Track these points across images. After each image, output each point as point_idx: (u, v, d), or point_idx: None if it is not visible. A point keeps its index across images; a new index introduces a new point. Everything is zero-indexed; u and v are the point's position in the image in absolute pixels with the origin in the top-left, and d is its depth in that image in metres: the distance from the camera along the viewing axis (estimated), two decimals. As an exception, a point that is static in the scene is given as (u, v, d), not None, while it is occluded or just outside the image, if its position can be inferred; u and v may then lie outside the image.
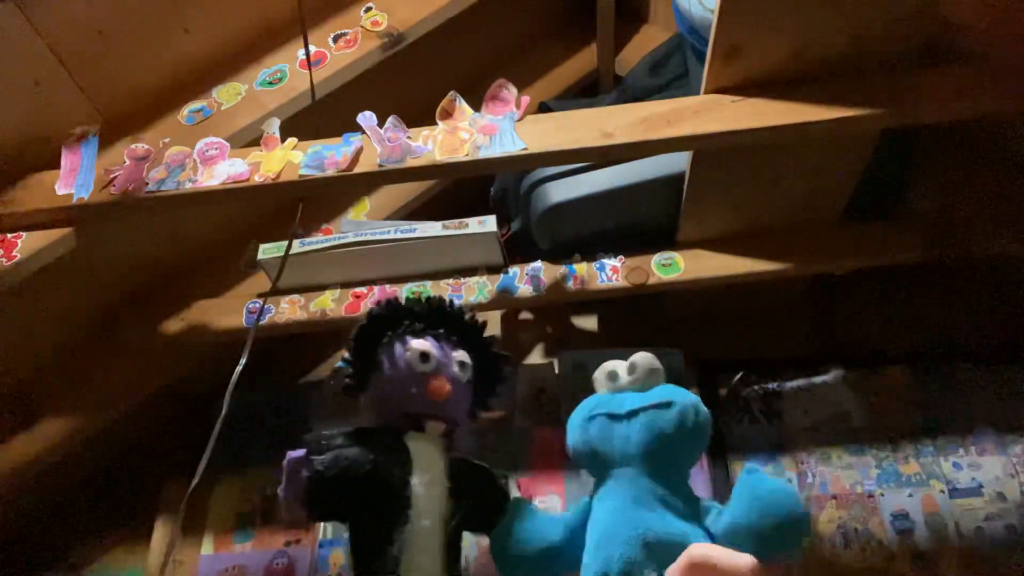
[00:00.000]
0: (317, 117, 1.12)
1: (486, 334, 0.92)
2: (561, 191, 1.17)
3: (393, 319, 0.86)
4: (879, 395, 1.30)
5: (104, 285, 1.23)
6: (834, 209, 1.20)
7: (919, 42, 0.93)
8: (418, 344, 0.84)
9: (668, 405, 0.83)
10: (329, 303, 1.23)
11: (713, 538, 0.78)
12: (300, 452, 0.76)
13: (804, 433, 1.28)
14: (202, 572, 1.27)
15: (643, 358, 0.88)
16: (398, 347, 0.84)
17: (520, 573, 0.83)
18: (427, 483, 0.79)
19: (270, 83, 1.13)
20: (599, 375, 0.91)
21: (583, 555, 0.80)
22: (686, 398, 0.85)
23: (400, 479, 0.79)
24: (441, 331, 0.87)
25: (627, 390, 0.88)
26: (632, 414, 0.84)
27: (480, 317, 0.91)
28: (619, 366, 0.90)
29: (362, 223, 1.30)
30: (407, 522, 0.77)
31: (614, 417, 0.85)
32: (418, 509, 0.78)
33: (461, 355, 0.87)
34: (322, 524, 1.28)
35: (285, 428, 1.37)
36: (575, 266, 1.22)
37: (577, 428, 0.88)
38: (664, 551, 0.74)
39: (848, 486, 1.22)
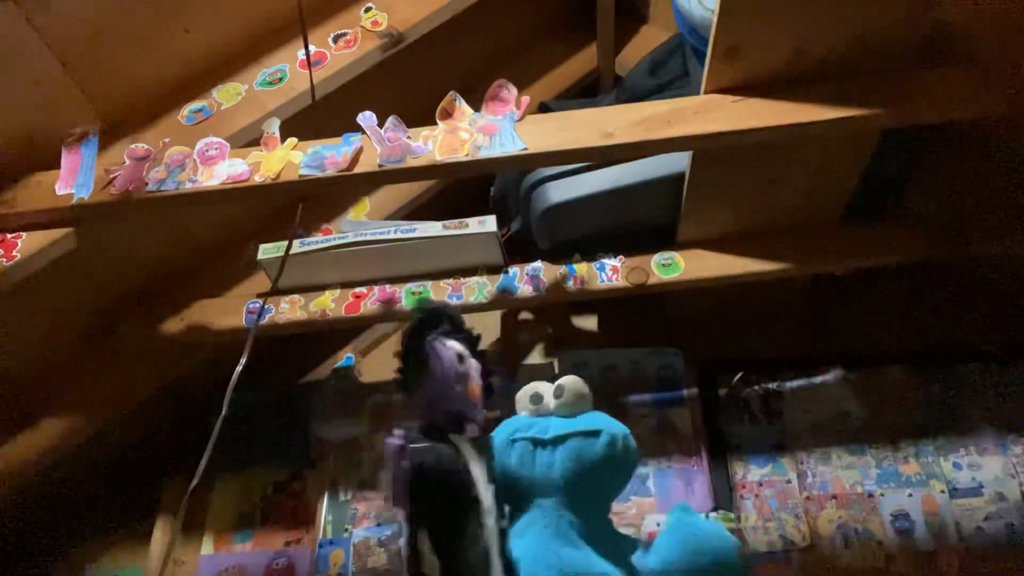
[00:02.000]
0: (317, 117, 1.12)
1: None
2: (561, 191, 1.17)
3: (433, 321, 0.87)
4: (879, 395, 1.30)
5: (104, 285, 1.23)
6: (834, 209, 1.20)
7: (919, 42, 0.93)
8: (457, 345, 0.85)
9: (596, 433, 0.81)
10: (329, 303, 1.23)
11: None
12: (399, 440, 0.76)
13: (804, 433, 1.28)
14: (202, 572, 1.27)
15: (571, 381, 0.85)
16: (440, 346, 0.84)
17: None
18: (482, 483, 0.79)
19: (270, 83, 1.12)
20: (522, 396, 0.88)
21: None
22: (615, 427, 0.82)
23: (469, 476, 0.78)
24: (463, 336, 0.88)
25: (552, 414, 0.85)
26: (558, 440, 0.81)
27: (475, 330, 0.91)
28: (544, 388, 0.87)
29: (362, 223, 1.30)
30: (482, 519, 0.76)
31: (537, 442, 0.82)
32: (483, 508, 0.77)
33: (475, 362, 0.88)
34: (322, 524, 1.28)
35: (285, 428, 1.37)
36: (575, 266, 1.22)
37: (496, 452, 0.84)
38: None
39: (848, 486, 1.22)
